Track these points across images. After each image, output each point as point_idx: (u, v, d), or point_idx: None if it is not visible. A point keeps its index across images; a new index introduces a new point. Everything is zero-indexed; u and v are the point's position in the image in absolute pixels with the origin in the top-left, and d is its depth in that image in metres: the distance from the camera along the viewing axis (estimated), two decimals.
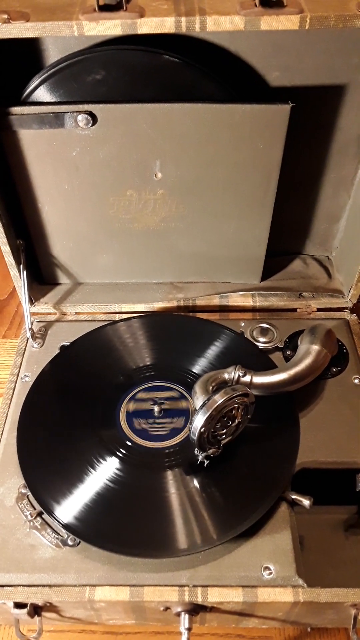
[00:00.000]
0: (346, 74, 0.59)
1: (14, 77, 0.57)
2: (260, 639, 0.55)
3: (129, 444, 0.55)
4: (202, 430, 0.49)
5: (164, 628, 0.56)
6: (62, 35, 0.47)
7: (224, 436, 0.52)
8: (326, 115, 0.62)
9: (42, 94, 0.57)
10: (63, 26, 0.46)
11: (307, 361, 0.57)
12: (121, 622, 0.54)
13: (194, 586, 0.47)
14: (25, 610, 0.47)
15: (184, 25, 0.46)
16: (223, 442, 0.52)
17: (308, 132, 0.63)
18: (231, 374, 0.55)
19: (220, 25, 0.46)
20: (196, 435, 0.49)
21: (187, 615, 0.47)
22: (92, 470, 0.53)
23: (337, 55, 0.57)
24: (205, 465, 0.52)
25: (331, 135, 0.64)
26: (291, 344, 0.65)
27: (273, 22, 0.46)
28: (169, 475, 0.52)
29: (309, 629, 0.55)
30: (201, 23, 0.46)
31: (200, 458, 0.52)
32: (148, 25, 0.46)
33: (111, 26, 0.46)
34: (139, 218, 0.65)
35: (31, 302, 0.70)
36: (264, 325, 0.67)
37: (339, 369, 0.63)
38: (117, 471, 0.53)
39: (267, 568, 0.47)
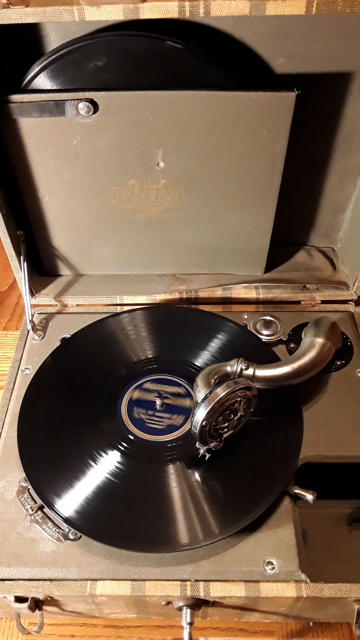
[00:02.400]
0: (353, 61, 0.57)
1: (14, 64, 0.56)
2: (262, 633, 0.55)
3: (131, 437, 0.54)
4: (203, 423, 0.48)
5: (165, 622, 0.55)
6: (63, 21, 0.47)
7: (225, 430, 0.51)
8: (332, 103, 0.61)
9: (43, 81, 0.56)
10: (64, 11, 0.46)
11: (311, 354, 0.56)
12: (122, 615, 0.53)
13: (196, 581, 0.46)
14: (26, 605, 0.47)
15: (188, 10, 0.46)
16: (225, 435, 0.51)
17: (313, 120, 0.62)
18: (234, 367, 0.55)
19: (224, 10, 0.46)
20: (197, 428, 0.48)
21: (189, 610, 0.46)
22: (93, 463, 0.52)
23: (343, 42, 0.56)
24: (206, 458, 0.51)
25: (337, 123, 0.62)
26: (295, 336, 0.64)
27: (279, 6, 0.45)
28: (171, 469, 0.52)
29: (311, 624, 0.55)
30: (205, 8, 0.46)
31: (201, 451, 0.51)
32: (150, 10, 0.46)
33: (113, 11, 0.46)
34: (141, 208, 0.64)
35: (32, 293, 0.70)
36: (268, 317, 0.66)
37: (344, 362, 0.62)
38: (118, 465, 0.52)
39: (269, 563, 0.47)
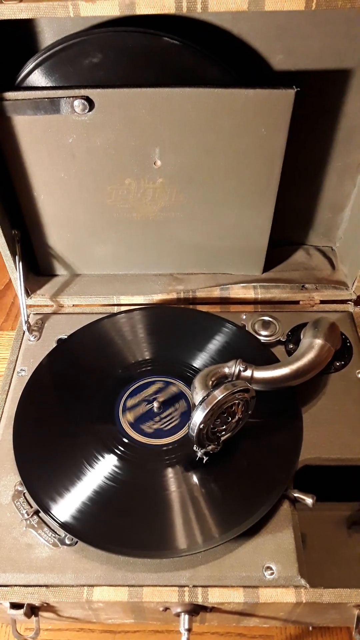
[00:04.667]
0: (352, 58, 0.57)
1: (8, 61, 0.55)
2: (261, 637, 0.54)
3: (128, 440, 0.54)
4: (201, 426, 0.48)
5: (163, 627, 0.55)
6: (58, 17, 0.46)
7: (223, 432, 0.50)
8: (331, 100, 0.60)
9: (37, 78, 0.55)
10: (58, 7, 0.45)
11: (309, 355, 0.56)
12: (120, 621, 0.53)
13: (194, 586, 0.46)
14: (21, 611, 0.46)
15: (185, 5, 0.45)
16: (222, 438, 0.51)
17: (313, 118, 0.61)
18: (232, 368, 0.54)
19: (222, 6, 0.45)
20: (195, 431, 0.48)
21: (187, 616, 0.46)
22: (90, 467, 0.51)
23: (343, 39, 0.55)
24: (204, 462, 0.51)
25: (336, 121, 0.62)
26: (294, 337, 0.63)
27: (278, 2, 0.44)
28: (168, 472, 0.51)
29: (310, 628, 0.55)
30: (202, 3, 0.45)
31: (199, 455, 0.51)
32: (147, 5, 0.45)
33: (108, 6, 0.45)
34: (138, 207, 0.64)
35: (27, 294, 0.69)
36: (266, 318, 0.65)
37: (343, 363, 0.61)
38: (115, 469, 0.51)
39: (268, 568, 0.46)
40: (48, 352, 0.62)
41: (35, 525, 0.49)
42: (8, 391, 0.60)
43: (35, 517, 0.50)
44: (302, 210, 0.71)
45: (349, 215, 0.70)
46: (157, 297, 0.69)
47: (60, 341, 0.64)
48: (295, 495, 0.50)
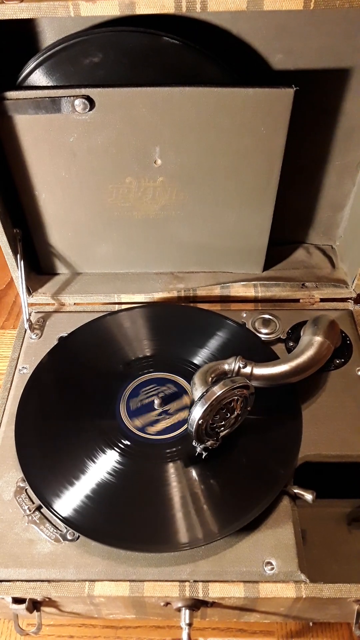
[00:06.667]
0: (351, 58, 0.57)
1: (9, 61, 0.56)
2: (262, 633, 0.55)
3: (129, 436, 0.54)
4: (200, 422, 0.48)
5: (164, 622, 0.55)
6: (58, 16, 0.47)
7: (222, 428, 0.51)
8: (331, 99, 0.60)
9: (38, 77, 0.55)
10: (59, 6, 0.46)
11: (309, 353, 0.56)
12: (121, 616, 0.53)
13: (195, 581, 0.46)
14: (23, 606, 0.47)
15: (184, 5, 0.45)
16: (222, 434, 0.51)
17: (312, 117, 0.61)
18: (231, 365, 0.54)
19: (221, 5, 0.45)
20: (194, 427, 0.48)
21: (187, 611, 0.46)
22: (91, 463, 0.52)
23: (342, 38, 0.55)
24: (203, 457, 0.51)
25: (336, 120, 0.62)
26: (294, 335, 0.64)
27: (277, 1, 0.45)
28: (169, 468, 0.52)
29: (311, 624, 0.55)
30: (202, 3, 0.45)
31: (198, 450, 0.51)
32: (147, 5, 0.45)
33: (108, 6, 0.45)
34: (139, 206, 0.64)
35: (29, 292, 0.69)
36: (266, 316, 0.66)
37: (343, 360, 0.61)
38: (116, 464, 0.52)
39: (269, 563, 0.47)
40: (49, 350, 0.63)
41: (37, 521, 0.49)
42: (10, 389, 0.60)
43: (37, 512, 0.50)
44: (302, 209, 0.71)
45: (349, 214, 0.71)
46: (157, 296, 0.70)
47: (61, 339, 0.65)
48: (295, 491, 0.50)
